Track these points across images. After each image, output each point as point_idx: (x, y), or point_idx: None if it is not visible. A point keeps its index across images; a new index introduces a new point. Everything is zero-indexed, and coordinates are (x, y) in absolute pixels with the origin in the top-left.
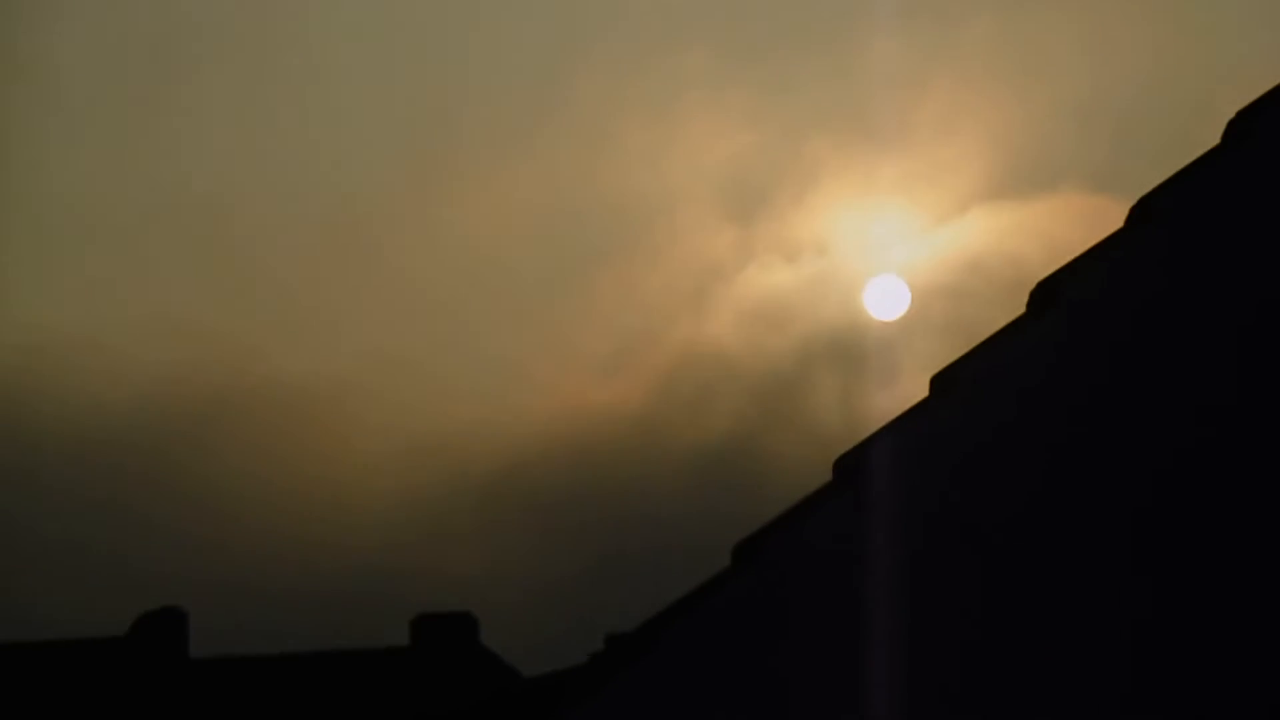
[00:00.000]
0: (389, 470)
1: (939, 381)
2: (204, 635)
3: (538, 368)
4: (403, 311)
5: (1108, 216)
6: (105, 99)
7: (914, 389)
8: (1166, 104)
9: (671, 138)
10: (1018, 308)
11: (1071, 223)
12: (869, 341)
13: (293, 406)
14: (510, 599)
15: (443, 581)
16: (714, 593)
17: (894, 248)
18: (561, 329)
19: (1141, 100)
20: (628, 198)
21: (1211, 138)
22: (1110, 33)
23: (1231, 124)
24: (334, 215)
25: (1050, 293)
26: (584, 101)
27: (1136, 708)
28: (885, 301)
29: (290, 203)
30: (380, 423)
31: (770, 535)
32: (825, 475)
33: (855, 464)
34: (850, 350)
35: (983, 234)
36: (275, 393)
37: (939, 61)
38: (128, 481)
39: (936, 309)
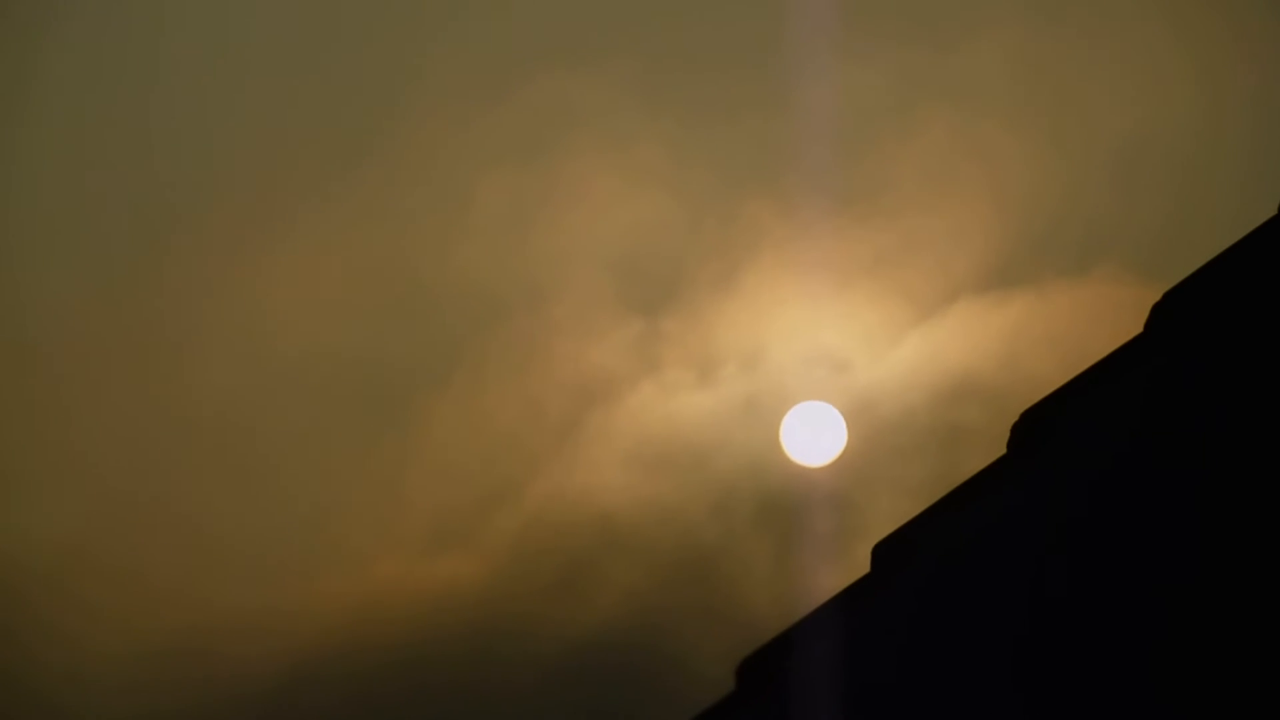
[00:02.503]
0: (125, 680)
1: (883, 553)
2: None
3: (337, 539)
4: (142, 461)
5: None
6: None
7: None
8: (1237, 155)
9: (543, 200)
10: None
11: (1106, 320)
12: (805, 495)
13: None
14: None
15: None
16: None
17: (852, 360)
18: (372, 484)
19: (1205, 150)
20: (472, 288)
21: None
22: (1160, 61)
23: None
24: (29, 335)
25: (1040, 426)
26: (410, 146)
27: None
28: (811, 439)
29: None
30: (112, 615)
31: None
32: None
33: (764, 668)
34: (787, 507)
35: (974, 337)
36: None
37: (926, 99)
38: None
39: (903, 446)
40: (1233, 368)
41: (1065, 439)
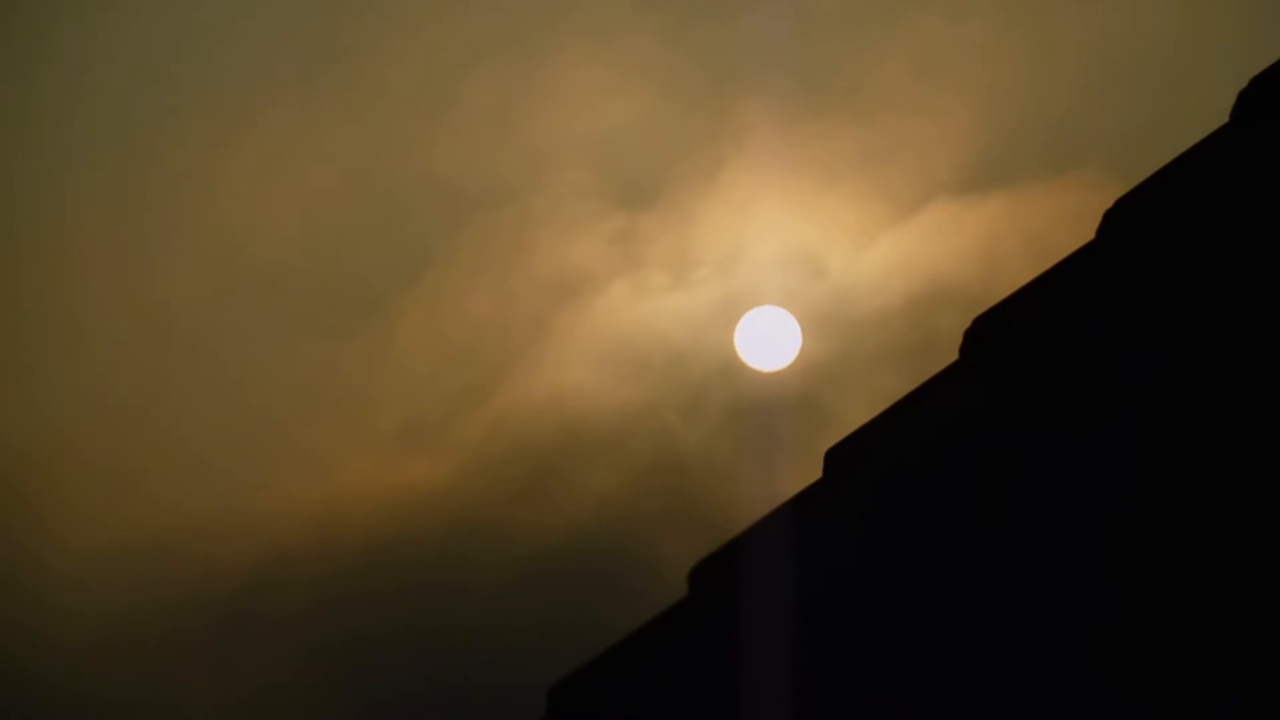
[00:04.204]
0: (87, 577)
1: (836, 458)
2: None
3: (304, 441)
4: (110, 361)
5: None
6: None
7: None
8: (1215, 59)
9: (524, 93)
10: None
11: (1081, 225)
12: (765, 400)
13: None
14: None
15: None
16: None
17: (825, 261)
18: (341, 385)
19: (1182, 54)
20: (448, 185)
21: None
22: None
23: (1244, 95)
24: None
25: (993, 332)
26: (387, 36)
27: None
28: (766, 343)
29: None
30: (77, 512)
31: (593, 674)
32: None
33: (716, 573)
34: (759, 411)
35: (949, 239)
36: None
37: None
38: None
39: (873, 350)
40: (1185, 273)
41: (1018, 345)
